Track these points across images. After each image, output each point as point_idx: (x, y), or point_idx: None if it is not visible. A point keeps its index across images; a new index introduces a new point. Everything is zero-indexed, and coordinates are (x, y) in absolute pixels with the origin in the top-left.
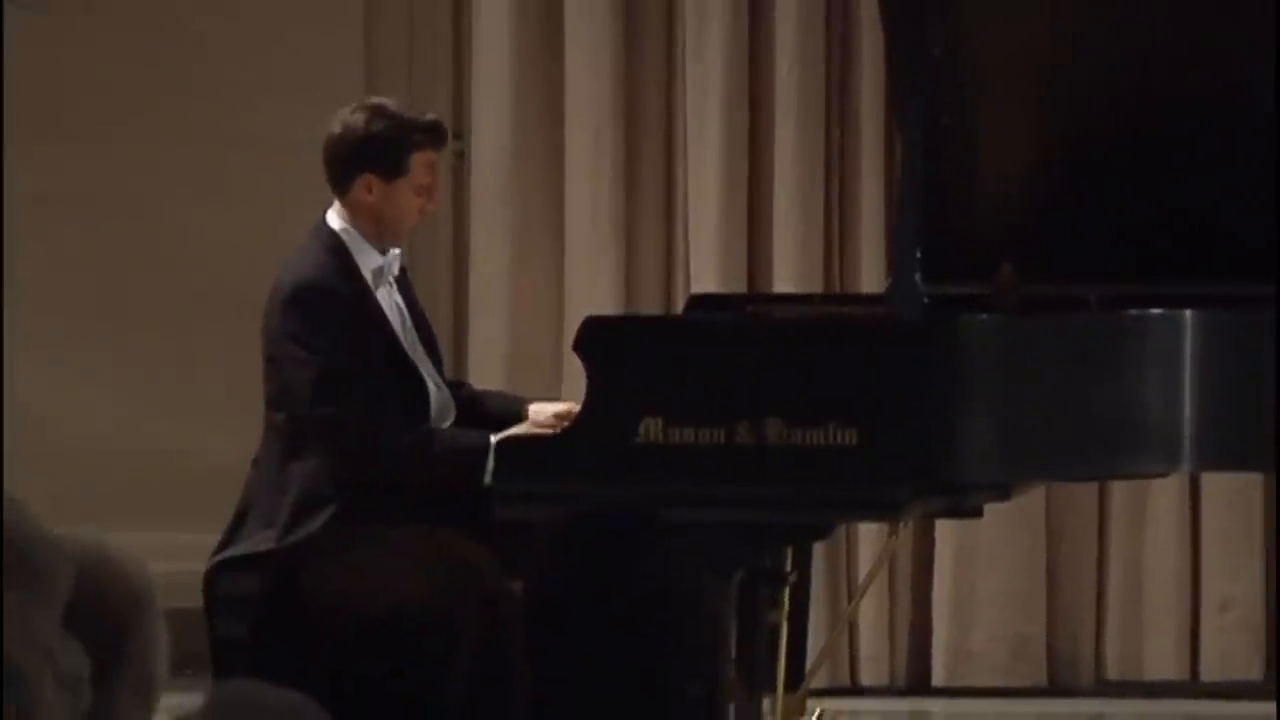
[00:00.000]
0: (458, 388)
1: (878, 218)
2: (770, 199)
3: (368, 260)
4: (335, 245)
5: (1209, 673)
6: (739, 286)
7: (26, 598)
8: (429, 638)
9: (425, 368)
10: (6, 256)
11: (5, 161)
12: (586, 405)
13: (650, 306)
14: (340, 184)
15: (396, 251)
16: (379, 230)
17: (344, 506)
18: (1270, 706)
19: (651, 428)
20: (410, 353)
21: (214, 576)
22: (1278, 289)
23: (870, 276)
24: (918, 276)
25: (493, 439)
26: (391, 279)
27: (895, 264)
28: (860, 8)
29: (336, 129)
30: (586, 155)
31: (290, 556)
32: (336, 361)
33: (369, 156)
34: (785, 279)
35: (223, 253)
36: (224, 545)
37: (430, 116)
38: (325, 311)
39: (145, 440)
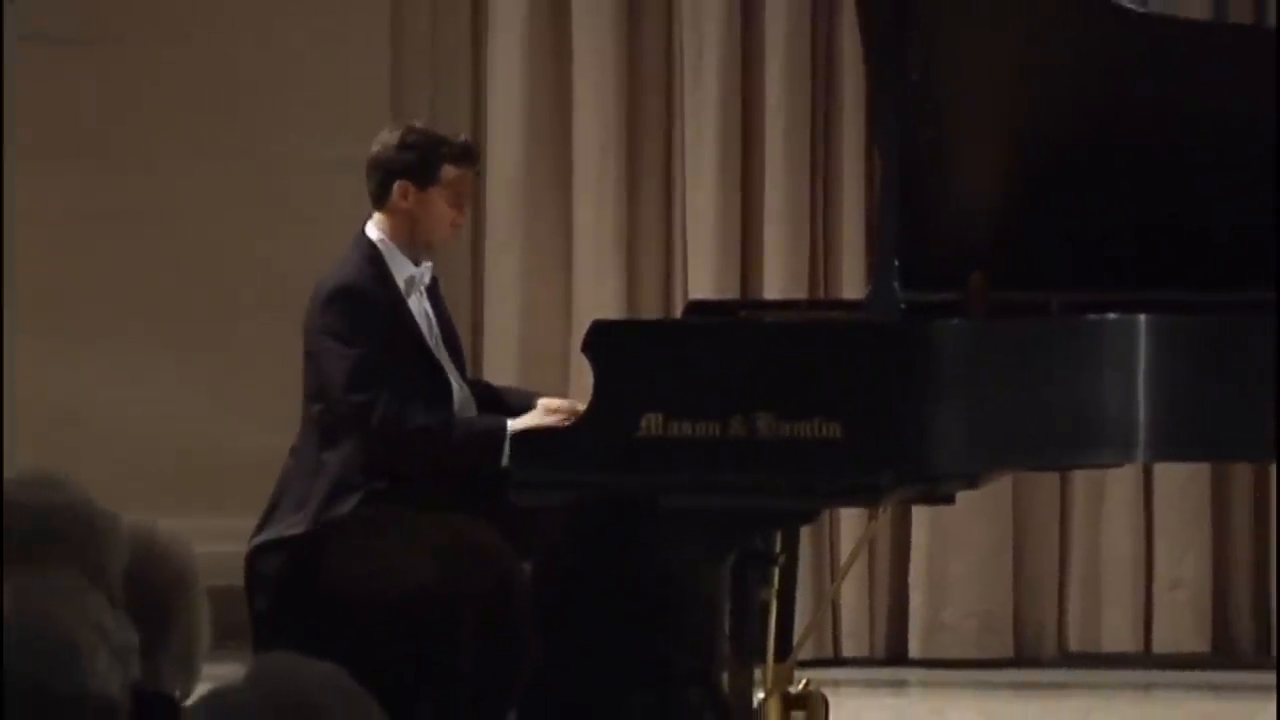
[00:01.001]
0: (477, 386)
1: (858, 230)
2: (760, 213)
3: (401, 269)
4: (373, 254)
5: (1160, 645)
6: (732, 293)
7: (83, 580)
8: (443, 614)
9: (449, 368)
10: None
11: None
12: (593, 401)
13: (651, 311)
14: (380, 194)
15: (428, 264)
16: (413, 239)
17: (371, 492)
18: (1214, 676)
19: (652, 422)
20: (436, 354)
21: (253, 558)
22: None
23: (852, 284)
24: (896, 284)
25: (509, 423)
26: (422, 288)
27: (875, 272)
28: (843, 40)
29: (376, 147)
30: (592, 174)
31: (317, 537)
32: (370, 355)
33: (404, 165)
34: (774, 286)
35: (259, 262)
36: (261, 528)
37: (462, 138)
38: (361, 311)
39: (191, 433)
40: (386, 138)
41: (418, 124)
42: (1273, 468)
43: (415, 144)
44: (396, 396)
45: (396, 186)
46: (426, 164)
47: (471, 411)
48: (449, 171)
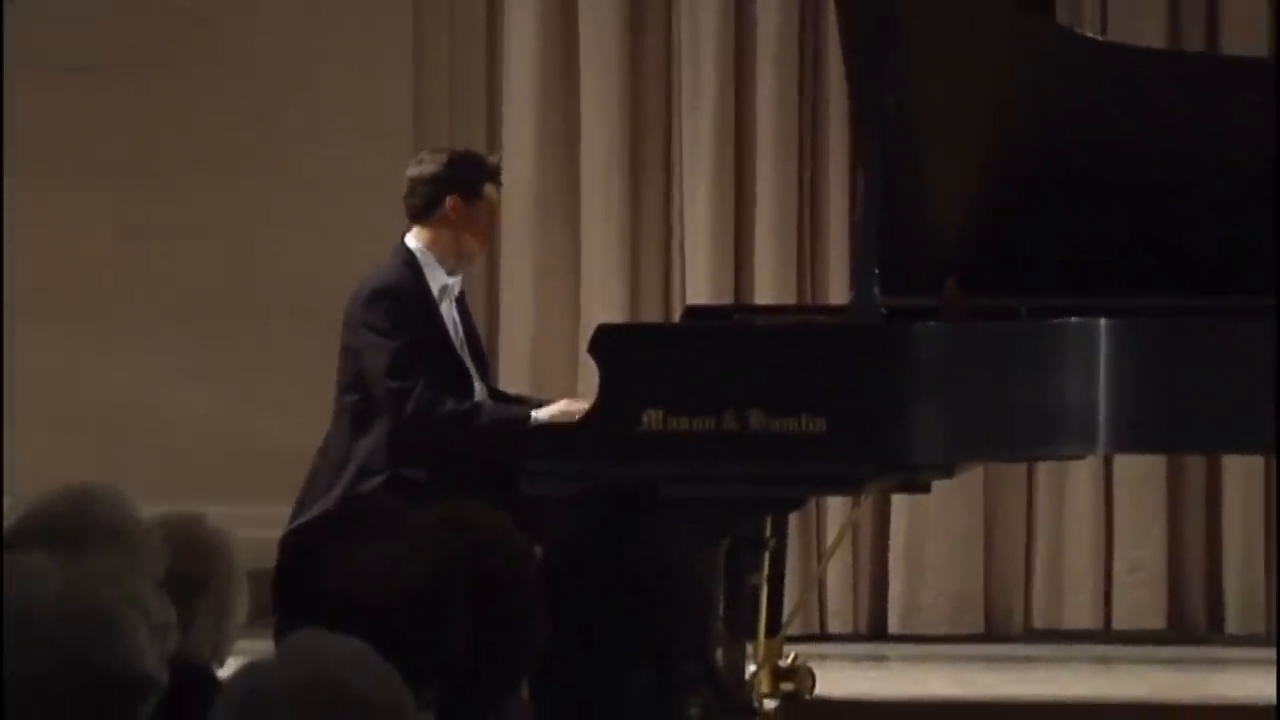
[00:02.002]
0: (495, 395)
1: (842, 240)
2: (752, 224)
3: (436, 277)
4: (410, 261)
5: (1119, 622)
6: (726, 298)
7: (124, 564)
8: (459, 593)
9: (473, 371)
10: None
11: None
12: (599, 399)
13: (652, 315)
14: (426, 209)
15: (459, 276)
16: (453, 250)
17: (394, 476)
18: (1169, 650)
19: (653, 417)
20: (461, 356)
21: (288, 541)
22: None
23: (836, 290)
24: (876, 290)
25: (534, 413)
26: (453, 297)
27: (857, 279)
28: (828, 68)
29: (425, 166)
30: (598, 190)
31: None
32: (407, 347)
33: (455, 181)
34: (765, 292)
35: (290, 270)
36: (296, 511)
37: (496, 159)
38: (398, 309)
39: (229, 427)
40: (433, 157)
41: (455, 148)
42: (1223, 460)
43: (464, 162)
44: (430, 386)
45: (449, 200)
46: (474, 181)
47: None
48: (489, 189)
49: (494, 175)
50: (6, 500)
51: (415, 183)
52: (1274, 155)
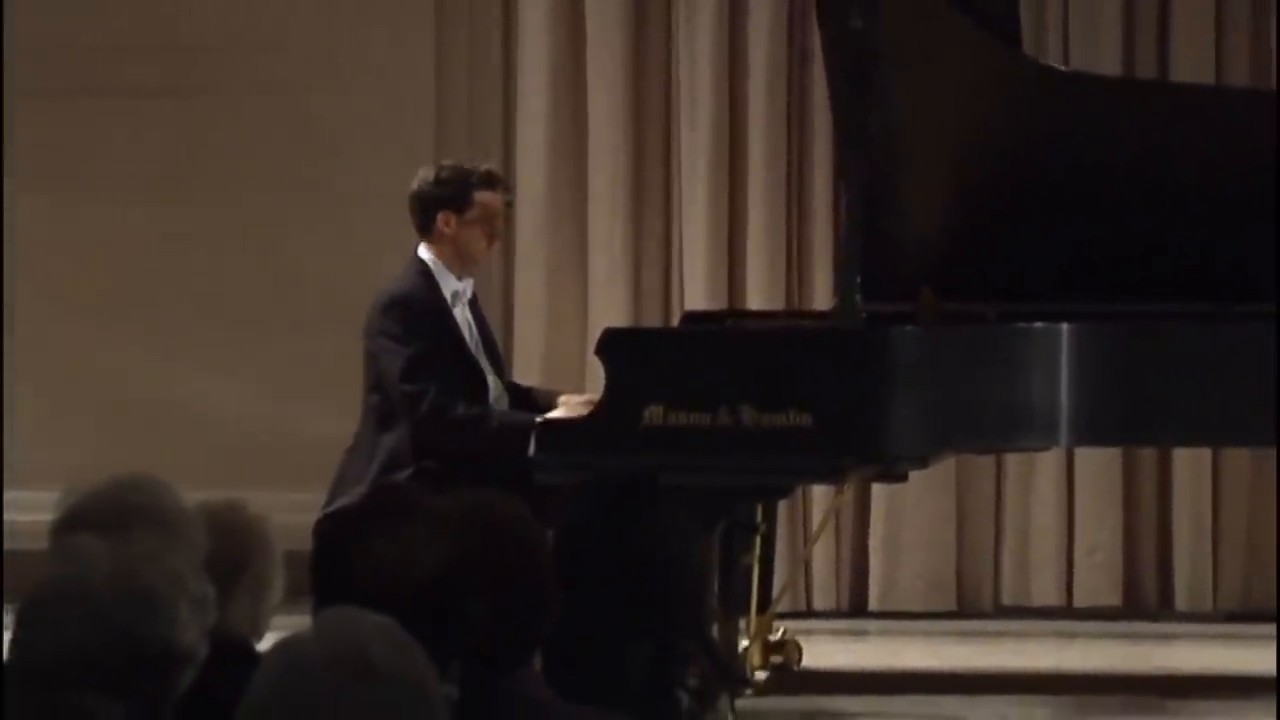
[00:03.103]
0: (510, 386)
1: (826, 251)
2: (744, 237)
3: (447, 284)
4: (424, 271)
5: (1080, 600)
6: (721, 304)
7: (167, 546)
8: (478, 573)
9: (487, 369)
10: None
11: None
12: (604, 396)
13: (653, 319)
14: (425, 225)
15: (470, 280)
16: (457, 259)
17: (419, 469)
18: (1124, 626)
19: (654, 413)
20: (475, 356)
21: (321, 526)
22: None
23: (821, 296)
24: (858, 296)
25: (537, 419)
26: (465, 301)
27: (841, 287)
28: (814, 98)
29: (415, 185)
30: (604, 205)
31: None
32: (420, 353)
33: (442, 199)
34: (756, 298)
35: (321, 278)
36: (329, 501)
37: (485, 166)
38: (412, 317)
39: (267, 422)
40: (424, 175)
41: (448, 161)
42: (1174, 452)
43: (449, 179)
44: (443, 390)
45: (439, 217)
46: (461, 194)
47: (504, 406)
48: (480, 197)
49: (485, 182)
50: (60, 490)
51: (411, 201)
52: (1221, 174)
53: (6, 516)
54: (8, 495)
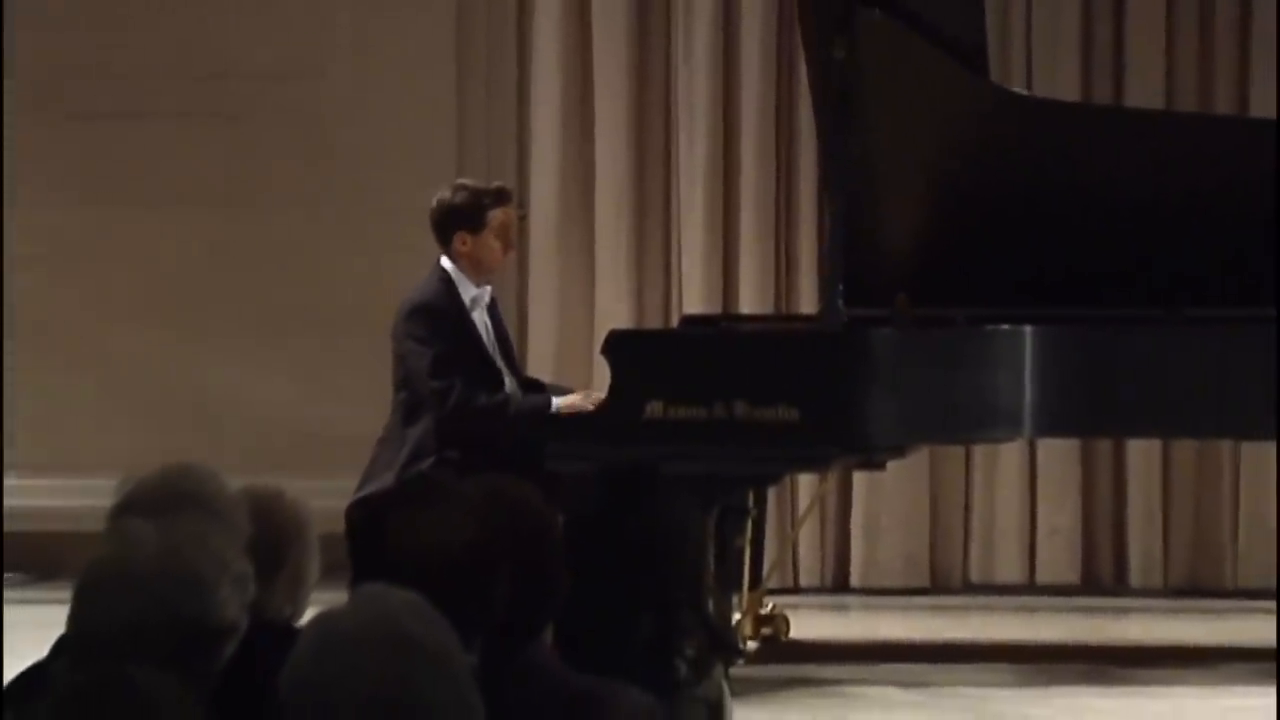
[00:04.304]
0: (527, 381)
1: (812, 260)
2: (737, 247)
3: (467, 290)
4: (445, 278)
5: (1041, 577)
6: (716, 308)
7: (211, 529)
8: (495, 552)
9: (504, 368)
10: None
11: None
12: (610, 392)
13: (654, 322)
14: (443, 240)
15: (488, 287)
16: (475, 268)
17: (442, 458)
18: (1082, 601)
19: (655, 408)
20: (493, 356)
21: (353, 510)
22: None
23: (807, 301)
24: (840, 302)
25: (554, 400)
26: (483, 305)
27: (825, 293)
28: (800, 120)
29: (434, 204)
30: (609, 218)
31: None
32: (444, 353)
33: (457, 219)
34: (748, 303)
35: (352, 285)
36: (360, 486)
37: (497, 184)
38: (435, 321)
39: (304, 416)
40: (442, 195)
41: (465, 180)
42: (1128, 443)
43: (464, 199)
44: (466, 384)
45: (456, 235)
46: (476, 213)
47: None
48: (493, 214)
49: (497, 199)
50: (116, 477)
51: (431, 218)
52: (1165, 190)
53: (63, 502)
54: (66, 483)
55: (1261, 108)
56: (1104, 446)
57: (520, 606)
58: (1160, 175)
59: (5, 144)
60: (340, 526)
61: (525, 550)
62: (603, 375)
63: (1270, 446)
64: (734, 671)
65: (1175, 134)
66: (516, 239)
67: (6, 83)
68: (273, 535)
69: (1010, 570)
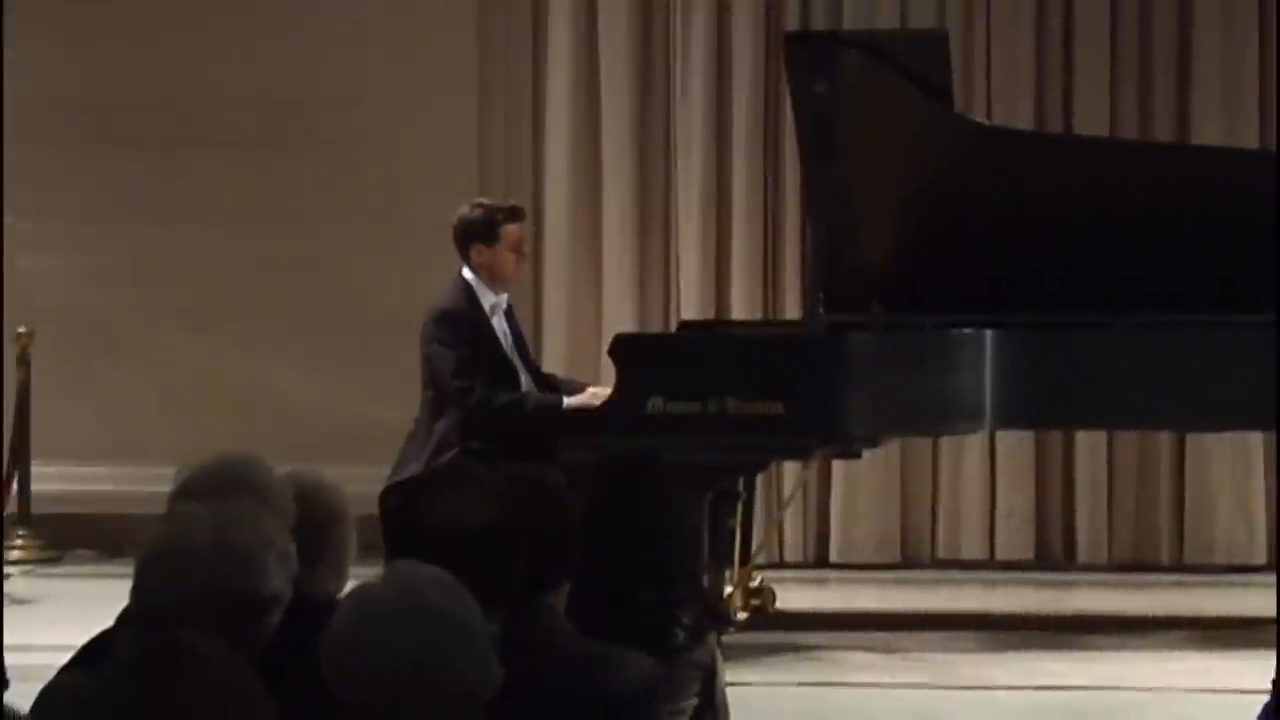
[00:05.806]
0: (544, 377)
1: (795, 271)
2: (729, 261)
3: (486, 298)
4: (465, 287)
5: (1000, 554)
6: (710, 314)
7: (259, 511)
8: (516, 530)
9: (520, 369)
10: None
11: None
12: (615, 389)
13: (655, 326)
14: (463, 252)
15: (505, 294)
16: (492, 278)
17: (466, 450)
18: (1036, 575)
19: (656, 404)
20: (511, 358)
21: (385, 495)
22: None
23: (792, 308)
24: (821, 309)
25: (565, 399)
26: (502, 311)
27: (808, 300)
28: (785, 145)
29: (455, 221)
30: (615, 234)
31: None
32: (467, 355)
33: (474, 233)
34: (739, 309)
35: (384, 292)
36: (392, 474)
37: (511, 202)
38: (456, 326)
39: (340, 411)
40: (461, 213)
41: (483, 199)
42: (1077, 435)
43: (480, 215)
44: (486, 383)
45: (472, 249)
46: (490, 229)
47: None
48: (506, 229)
49: (510, 216)
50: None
51: (452, 232)
52: (1113, 207)
53: (128, 488)
54: (138, 470)
55: (1200, 122)
56: (1055, 437)
57: (535, 576)
58: (1102, 194)
59: (81, 171)
60: (374, 510)
61: (542, 529)
62: (609, 374)
63: (1202, 437)
64: (726, 638)
65: (1114, 157)
66: (528, 252)
67: (74, 116)
68: (314, 517)
69: (972, 547)
